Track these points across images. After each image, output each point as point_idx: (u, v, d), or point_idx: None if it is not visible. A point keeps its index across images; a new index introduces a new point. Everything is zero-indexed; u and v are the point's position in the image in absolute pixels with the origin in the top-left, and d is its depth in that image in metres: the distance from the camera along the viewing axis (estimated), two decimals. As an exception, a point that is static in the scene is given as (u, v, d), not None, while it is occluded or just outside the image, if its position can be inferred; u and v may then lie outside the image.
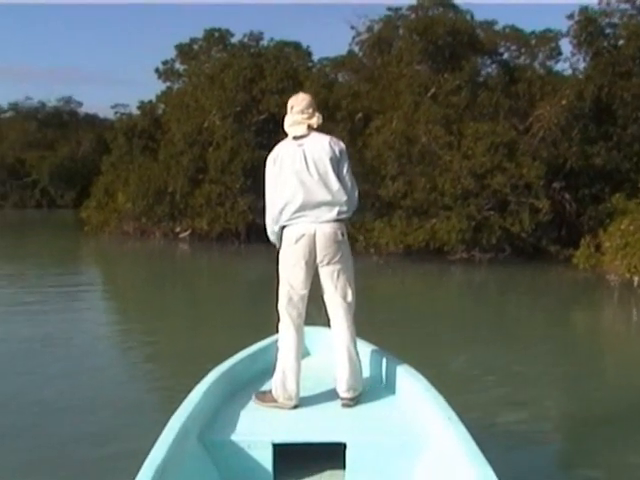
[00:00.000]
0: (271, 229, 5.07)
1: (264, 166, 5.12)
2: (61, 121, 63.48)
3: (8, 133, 60.59)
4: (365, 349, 5.29)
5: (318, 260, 4.91)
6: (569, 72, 28.28)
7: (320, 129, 5.09)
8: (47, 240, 33.21)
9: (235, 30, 35.77)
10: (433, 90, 25.58)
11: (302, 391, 4.85)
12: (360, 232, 24.27)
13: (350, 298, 4.97)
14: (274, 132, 22.92)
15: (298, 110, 5.07)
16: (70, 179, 55.80)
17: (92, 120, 64.44)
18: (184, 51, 36.45)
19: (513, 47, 29.69)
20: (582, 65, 27.28)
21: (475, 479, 3.45)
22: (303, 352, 5.25)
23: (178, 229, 30.97)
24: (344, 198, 4.91)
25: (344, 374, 4.84)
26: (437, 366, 9.93)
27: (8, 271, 20.70)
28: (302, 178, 4.88)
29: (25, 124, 61.01)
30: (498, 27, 29.75)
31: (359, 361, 4.96)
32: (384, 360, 5.22)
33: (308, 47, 34.53)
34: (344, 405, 4.79)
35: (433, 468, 4.01)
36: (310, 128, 5.02)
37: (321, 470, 4.29)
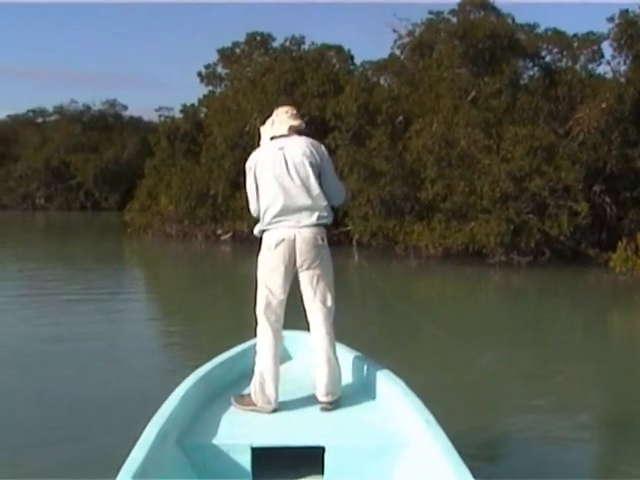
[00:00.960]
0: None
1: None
2: (106, 124, 63.44)
3: (53, 136, 60.79)
4: (345, 354, 5.26)
5: (298, 265, 4.87)
6: (610, 75, 28.19)
7: (302, 134, 5.08)
8: (91, 242, 33.67)
9: (277, 32, 35.98)
10: (473, 94, 25.65)
11: (281, 395, 4.83)
12: (399, 234, 24.42)
13: (330, 303, 4.94)
14: (315, 136, 23.09)
15: (283, 111, 5.12)
16: (114, 182, 56.02)
17: (137, 123, 64.37)
18: (226, 55, 36.75)
19: (555, 50, 29.49)
20: (623, 68, 27.21)
21: None
22: (284, 356, 5.31)
23: (220, 231, 31.26)
24: (324, 203, 4.89)
25: (323, 378, 4.82)
26: (473, 367, 10.10)
27: (54, 272, 21.10)
28: (283, 182, 4.86)
29: (70, 127, 61.06)
30: (540, 30, 29.67)
31: (338, 366, 4.93)
32: (363, 365, 5.20)
33: (349, 50, 34.56)
34: (323, 409, 4.78)
35: (411, 471, 4.04)
36: (292, 129, 5.03)
37: (300, 474, 4.26)
